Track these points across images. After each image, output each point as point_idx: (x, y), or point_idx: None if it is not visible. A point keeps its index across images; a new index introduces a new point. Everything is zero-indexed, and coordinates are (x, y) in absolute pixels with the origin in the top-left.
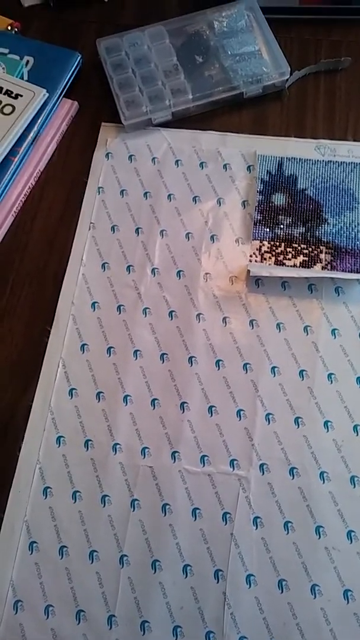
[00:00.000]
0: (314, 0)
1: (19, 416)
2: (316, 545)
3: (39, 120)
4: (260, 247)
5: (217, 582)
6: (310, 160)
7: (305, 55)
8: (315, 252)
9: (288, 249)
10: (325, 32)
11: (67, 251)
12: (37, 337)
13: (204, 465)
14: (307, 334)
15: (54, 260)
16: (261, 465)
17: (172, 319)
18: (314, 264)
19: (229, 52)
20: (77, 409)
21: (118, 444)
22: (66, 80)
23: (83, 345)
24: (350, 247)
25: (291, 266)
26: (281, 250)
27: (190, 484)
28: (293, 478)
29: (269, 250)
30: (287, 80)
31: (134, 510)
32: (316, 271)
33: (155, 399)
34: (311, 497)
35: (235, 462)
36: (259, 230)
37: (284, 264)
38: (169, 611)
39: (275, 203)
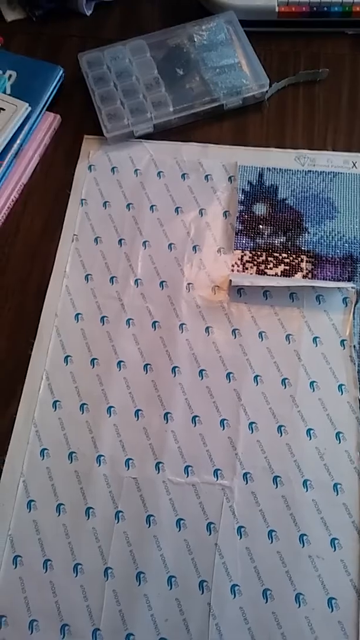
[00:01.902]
0: (292, 13)
1: (2, 429)
2: (300, 553)
3: (22, 134)
4: (242, 256)
5: (202, 593)
6: (290, 170)
7: (284, 67)
8: (296, 261)
9: (269, 258)
10: (304, 44)
11: (50, 263)
12: (20, 350)
13: (187, 476)
14: (289, 342)
15: (37, 272)
16: (245, 475)
17: (155, 329)
18: (295, 273)
19: (209, 65)
20: (60, 421)
21: (102, 455)
22: (49, 94)
23: (67, 357)
24: (330, 256)
25: (272, 275)
26: (262, 260)
27: (174, 494)
28: (277, 487)
29: (250, 259)
30: (267, 91)
31: (118, 522)
32: (297, 280)
33: (139, 410)
34: (295, 505)
35: (219, 472)
36: (240, 240)
37: (265, 273)
38: (154, 623)
39: (256, 213)
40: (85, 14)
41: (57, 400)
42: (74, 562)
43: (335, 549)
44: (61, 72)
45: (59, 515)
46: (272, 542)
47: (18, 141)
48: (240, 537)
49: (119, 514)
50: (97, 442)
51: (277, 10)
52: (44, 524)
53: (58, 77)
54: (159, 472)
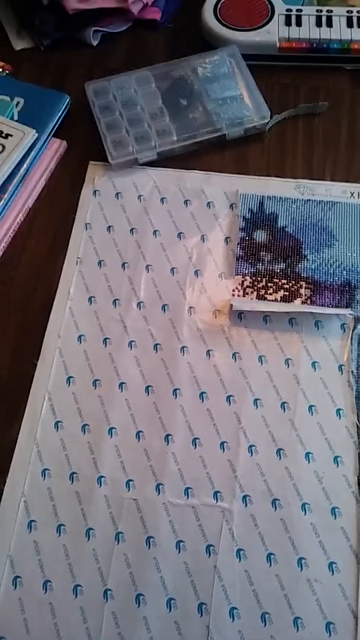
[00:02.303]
0: (292, 49)
1: (4, 448)
2: (298, 577)
3: (28, 159)
4: (243, 282)
5: (201, 615)
6: (290, 199)
7: (285, 99)
8: (296, 287)
9: (269, 284)
10: (304, 78)
11: (54, 285)
12: (23, 370)
13: (187, 498)
14: (288, 366)
15: (41, 294)
16: (244, 497)
17: (157, 351)
18: (294, 299)
19: (212, 96)
20: (62, 441)
21: (103, 476)
22: (55, 121)
23: (69, 377)
24: (328, 283)
25: (272, 300)
26: (263, 285)
27: (174, 516)
28: (275, 510)
29: (250, 285)
30: (268, 122)
31: (118, 543)
32: (296, 306)
33: (140, 431)
34: (293, 528)
35: (218, 494)
36: (241, 265)
37: (265, 299)
38: None
39: (257, 240)
40: (92, 44)
41: (59, 421)
42: (74, 584)
43: (333, 573)
44: (68, 100)
45: (60, 535)
46: (270, 565)
47: (25, 166)
48: (240, 560)
49: (119, 535)
50: (98, 463)
51: (278, 45)
52: (44, 545)
53: (64, 105)
54: (159, 493)
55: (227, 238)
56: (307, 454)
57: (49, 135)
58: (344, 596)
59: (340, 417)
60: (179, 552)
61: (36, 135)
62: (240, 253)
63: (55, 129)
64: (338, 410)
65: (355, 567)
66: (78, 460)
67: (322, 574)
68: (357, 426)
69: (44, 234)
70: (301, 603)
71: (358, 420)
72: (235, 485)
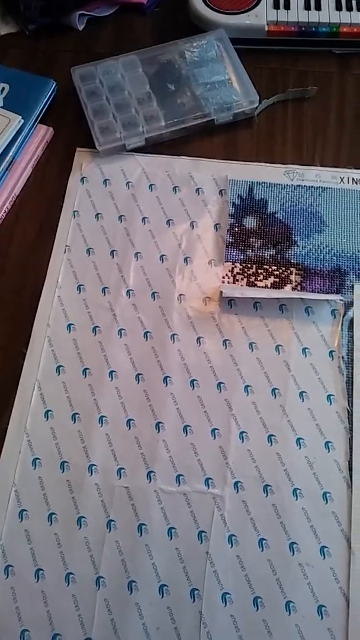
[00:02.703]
0: (280, 32)
1: None
2: (290, 561)
3: (15, 146)
4: (233, 268)
5: (193, 601)
6: (279, 184)
7: (274, 84)
8: (286, 273)
9: (259, 271)
10: (292, 62)
11: (42, 274)
12: (12, 359)
13: (179, 485)
14: (279, 353)
15: (29, 282)
16: (235, 484)
17: (147, 339)
18: (285, 285)
19: (200, 81)
20: (52, 430)
21: (94, 465)
22: (41, 107)
23: (59, 367)
24: (319, 269)
25: (262, 287)
26: (253, 272)
27: (165, 503)
28: (267, 495)
29: (240, 271)
30: (257, 108)
31: (110, 531)
32: (287, 292)
33: (131, 420)
34: (285, 514)
35: (210, 481)
36: (231, 252)
37: (255, 285)
38: (146, 632)
39: (247, 226)
40: (78, 29)
41: (49, 410)
42: (66, 572)
43: (324, 557)
44: (54, 85)
45: (51, 524)
46: (262, 550)
47: (11, 153)
48: (231, 546)
49: (111, 523)
50: (88, 451)
51: (266, 29)
52: (35, 534)
53: (51, 91)
54: (150, 481)
55: (216, 224)
56: (298, 440)
57: (35, 121)
58: (336, 580)
59: (331, 403)
60: (171, 538)
61: (22, 121)
62: (230, 239)
63: (41, 115)
64: (329, 396)
65: (347, 551)
66: (68, 449)
67: (314, 558)
68: (348, 411)
69: (32, 221)
70: (293, 587)
71: (349, 405)
72: (226, 471)
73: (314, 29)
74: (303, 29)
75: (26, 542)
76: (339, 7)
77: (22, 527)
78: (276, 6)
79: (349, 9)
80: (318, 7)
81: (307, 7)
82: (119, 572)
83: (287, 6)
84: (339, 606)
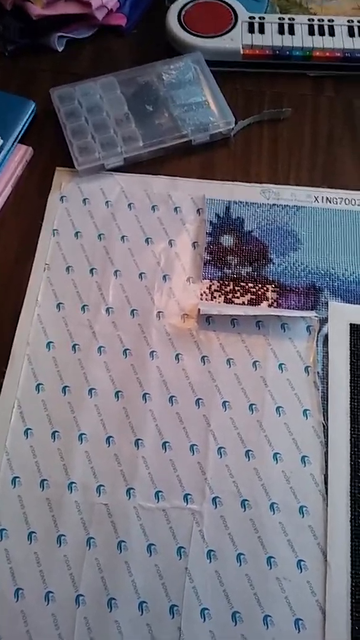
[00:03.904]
0: (255, 55)
1: None
2: (267, 575)
3: None
4: (210, 286)
5: (172, 617)
6: (255, 203)
7: (250, 105)
8: (262, 290)
9: (236, 288)
10: (268, 84)
11: (22, 292)
12: None
13: (158, 501)
14: (256, 368)
15: (9, 301)
16: (214, 499)
17: (126, 357)
18: (261, 302)
19: (177, 102)
20: (32, 448)
21: (73, 482)
22: (21, 127)
23: (38, 384)
24: (294, 286)
25: (240, 304)
26: (230, 289)
27: (145, 520)
28: (245, 510)
29: (218, 289)
30: (233, 128)
31: (89, 548)
32: (263, 309)
33: (110, 437)
34: (262, 528)
35: (189, 497)
36: (208, 270)
37: (232, 302)
38: None
39: (224, 244)
40: (57, 49)
41: (29, 428)
42: (45, 590)
43: (301, 571)
44: (33, 106)
45: (31, 543)
46: (240, 564)
47: None
48: (210, 561)
49: (90, 541)
50: (68, 469)
51: (241, 52)
52: (15, 553)
53: (30, 111)
54: (130, 497)
55: (194, 243)
56: (275, 455)
57: (14, 141)
58: (312, 593)
59: (307, 418)
60: (150, 555)
61: (1, 141)
62: (208, 257)
63: (20, 135)
64: (305, 411)
65: (323, 564)
66: (48, 467)
67: (291, 572)
68: (324, 426)
69: (11, 240)
70: (271, 601)
71: (324, 420)
72: (205, 487)
73: (288, 52)
74: (277, 52)
75: (6, 561)
76: (311, 32)
77: (2, 546)
78: (251, 30)
79: (322, 33)
80: (291, 32)
81: (281, 31)
82: (99, 590)
83: (261, 30)
84: (316, 619)
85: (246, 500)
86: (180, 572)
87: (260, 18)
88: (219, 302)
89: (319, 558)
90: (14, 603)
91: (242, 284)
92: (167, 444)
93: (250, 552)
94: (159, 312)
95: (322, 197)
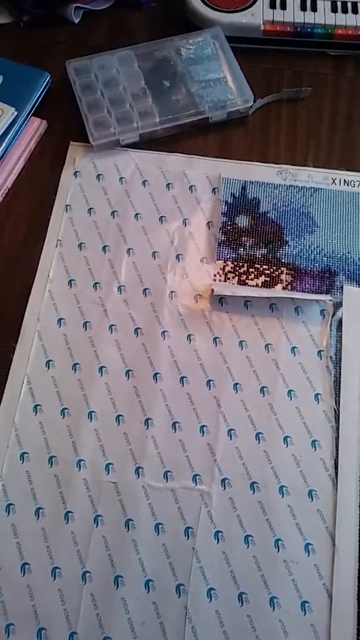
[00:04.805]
0: (276, 32)
1: None
2: (275, 558)
3: (7, 138)
4: (224, 267)
5: (179, 596)
6: (272, 184)
7: (268, 83)
8: (277, 272)
9: (250, 269)
10: (288, 62)
11: (33, 268)
12: (2, 354)
13: (167, 481)
14: (268, 351)
15: (20, 276)
16: (223, 480)
17: (137, 336)
18: (275, 284)
19: (195, 78)
20: (41, 425)
21: (82, 460)
22: (35, 99)
23: (48, 361)
24: (309, 269)
25: (253, 286)
26: (244, 271)
27: (153, 499)
28: (254, 492)
29: (232, 270)
30: (251, 107)
31: (97, 526)
32: (277, 291)
33: (120, 415)
34: (271, 511)
35: (197, 478)
36: (222, 250)
37: (246, 284)
38: (131, 627)
39: (239, 225)
40: (74, 21)
41: (38, 405)
42: (52, 566)
43: (309, 554)
44: (48, 78)
45: (38, 519)
46: (248, 546)
47: (3, 145)
48: (218, 542)
49: (98, 518)
50: (77, 446)
51: (262, 28)
52: (22, 528)
53: (45, 83)
54: (138, 477)
55: (209, 222)
56: (286, 438)
57: (28, 113)
58: (320, 576)
59: (318, 402)
60: (158, 534)
61: (15, 113)
62: (222, 238)
63: (35, 107)
64: (316, 395)
65: (331, 548)
66: (57, 444)
67: (299, 555)
68: (335, 410)
69: (24, 215)
70: (277, 583)
71: (336, 404)
72: (214, 468)
73: (309, 29)
74: (298, 29)
75: (13, 536)
76: (334, 9)
77: (9, 521)
78: (272, 6)
79: (345, 11)
80: (314, 9)
81: (303, 7)
82: (106, 567)
83: (283, 6)
84: (322, 603)
85: (255, 482)
86: (187, 552)
87: None
88: (233, 284)
89: (327, 542)
90: (20, 578)
91: (256, 265)
92: (177, 424)
93: (258, 534)
94: (171, 291)
95: (340, 180)
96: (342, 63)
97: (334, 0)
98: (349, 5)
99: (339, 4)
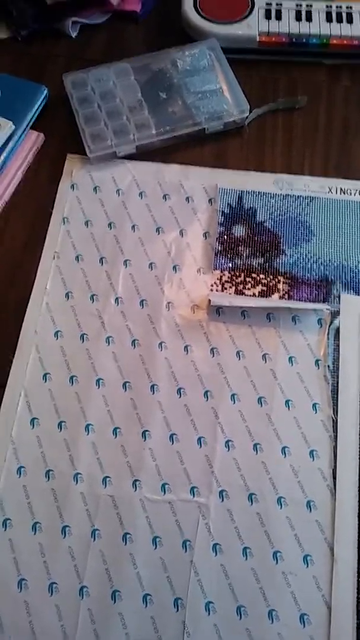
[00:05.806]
0: (271, 43)
1: None
2: (273, 570)
3: (5, 151)
4: (221, 276)
5: (177, 610)
6: (268, 193)
7: (264, 93)
8: (273, 282)
9: (247, 279)
10: (283, 72)
11: (31, 280)
12: None
13: (164, 493)
14: (266, 361)
15: (17, 289)
16: (221, 492)
17: (134, 347)
18: (272, 294)
19: (192, 90)
20: (38, 438)
21: (79, 473)
22: (33, 113)
23: (45, 374)
24: (306, 278)
25: (250, 295)
26: (241, 280)
27: (150, 512)
28: (252, 504)
29: (229, 280)
30: (247, 117)
31: (94, 540)
32: (274, 301)
33: (117, 428)
34: (269, 522)
35: (195, 490)
36: (219, 260)
37: (243, 294)
38: None
39: (236, 234)
40: (71, 35)
41: (35, 418)
42: (49, 581)
43: (307, 566)
44: (45, 91)
45: (35, 533)
46: (246, 559)
47: (1, 159)
48: (216, 554)
49: (95, 532)
50: (74, 460)
51: (257, 39)
52: (19, 543)
53: (42, 97)
54: (135, 489)
55: (205, 233)
56: (284, 448)
57: (26, 127)
58: (318, 588)
59: (316, 411)
60: (156, 547)
61: (13, 127)
62: (219, 248)
63: (32, 120)
64: (314, 405)
65: (330, 559)
66: (54, 458)
67: (297, 567)
68: (333, 420)
69: (21, 228)
70: (276, 595)
71: (334, 414)
72: (212, 480)
73: (304, 40)
74: (294, 39)
75: (9, 551)
76: (329, 19)
77: (6, 536)
78: (268, 17)
79: (339, 20)
80: (309, 19)
81: (298, 18)
82: (103, 582)
83: (278, 17)
84: (321, 614)
85: (253, 493)
86: (185, 565)
87: (277, 4)
88: (230, 293)
89: (325, 553)
90: (17, 593)
91: (253, 275)
92: (174, 436)
93: (256, 546)
94: (168, 302)
95: (336, 188)
96: (338, 72)
97: (328, 10)
98: (344, 15)
99: (333, 14)
